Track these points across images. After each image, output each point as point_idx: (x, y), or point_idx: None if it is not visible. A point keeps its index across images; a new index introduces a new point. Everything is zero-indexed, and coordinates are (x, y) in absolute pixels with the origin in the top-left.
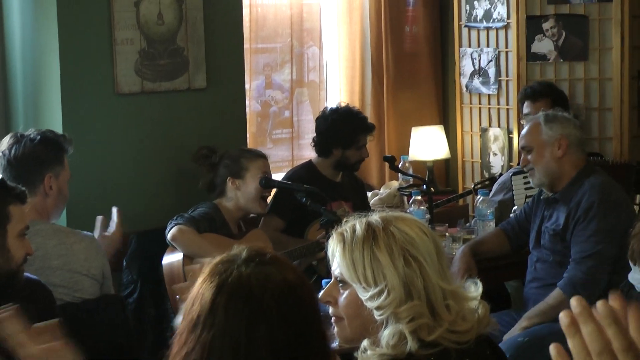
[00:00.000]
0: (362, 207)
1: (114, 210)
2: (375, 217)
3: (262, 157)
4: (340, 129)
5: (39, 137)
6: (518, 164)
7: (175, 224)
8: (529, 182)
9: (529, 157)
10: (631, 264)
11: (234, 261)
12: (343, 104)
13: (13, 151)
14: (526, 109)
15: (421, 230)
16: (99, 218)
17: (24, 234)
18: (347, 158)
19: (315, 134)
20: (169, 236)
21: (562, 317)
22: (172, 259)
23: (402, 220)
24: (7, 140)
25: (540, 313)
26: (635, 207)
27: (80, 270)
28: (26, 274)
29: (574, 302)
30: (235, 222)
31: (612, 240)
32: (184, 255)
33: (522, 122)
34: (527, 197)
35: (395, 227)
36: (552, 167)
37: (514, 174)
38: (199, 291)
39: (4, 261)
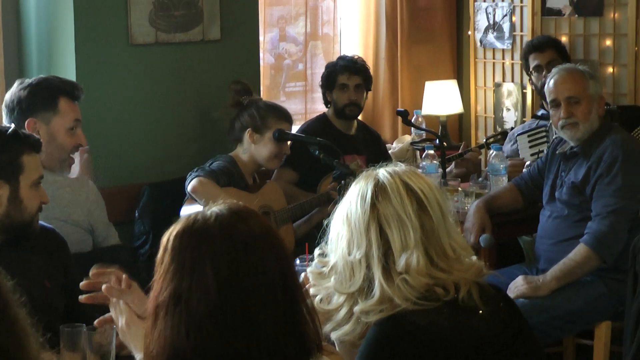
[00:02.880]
0: (380, 159)
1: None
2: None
3: (289, 121)
4: (325, 72)
5: (29, 82)
6: (533, 117)
7: (196, 176)
8: (533, 141)
9: (576, 111)
10: None
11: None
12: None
13: (5, 97)
14: (534, 61)
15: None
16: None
17: (39, 183)
18: (335, 102)
19: None
20: (189, 187)
21: None
22: (191, 210)
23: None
24: None
25: (568, 272)
26: None
27: (58, 216)
28: (41, 222)
29: None
30: (251, 174)
31: (633, 196)
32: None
33: (531, 77)
34: (531, 155)
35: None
36: (595, 124)
37: (520, 134)
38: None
39: (17, 212)
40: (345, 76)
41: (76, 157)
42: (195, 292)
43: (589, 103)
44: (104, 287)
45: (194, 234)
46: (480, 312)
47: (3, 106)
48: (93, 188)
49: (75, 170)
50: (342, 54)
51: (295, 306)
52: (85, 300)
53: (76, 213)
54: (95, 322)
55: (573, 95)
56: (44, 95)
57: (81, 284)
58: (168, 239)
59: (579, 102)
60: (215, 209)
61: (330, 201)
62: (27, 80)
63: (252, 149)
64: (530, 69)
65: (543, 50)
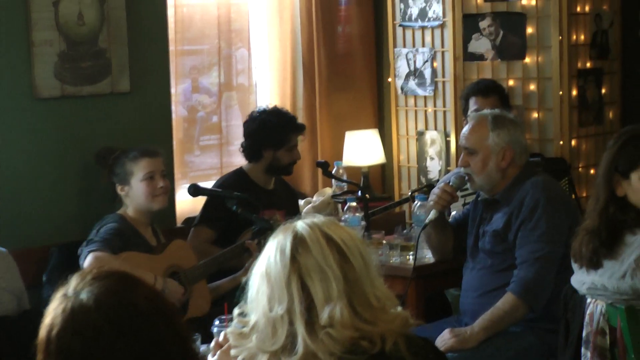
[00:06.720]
0: (299, 213)
1: None
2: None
3: (148, 155)
4: (270, 129)
5: None
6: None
7: (89, 252)
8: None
9: (471, 162)
10: (573, 265)
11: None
12: (271, 105)
13: None
14: (474, 105)
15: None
16: None
17: None
18: (278, 160)
19: (243, 139)
20: (85, 266)
21: None
22: None
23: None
24: None
25: (496, 321)
26: None
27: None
28: None
29: None
30: (146, 226)
31: (559, 239)
32: None
33: (466, 119)
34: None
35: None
36: (495, 176)
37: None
38: None
39: None
40: (297, 137)
41: None
42: None
43: (485, 156)
44: None
45: (78, 332)
46: None
47: None
48: (10, 256)
49: None
50: (272, 107)
51: None
52: None
53: (12, 280)
54: None
55: (468, 146)
56: None
57: None
58: (49, 340)
59: (475, 153)
60: (88, 291)
61: (246, 251)
62: None
63: (129, 201)
64: (469, 112)
65: (487, 95)
